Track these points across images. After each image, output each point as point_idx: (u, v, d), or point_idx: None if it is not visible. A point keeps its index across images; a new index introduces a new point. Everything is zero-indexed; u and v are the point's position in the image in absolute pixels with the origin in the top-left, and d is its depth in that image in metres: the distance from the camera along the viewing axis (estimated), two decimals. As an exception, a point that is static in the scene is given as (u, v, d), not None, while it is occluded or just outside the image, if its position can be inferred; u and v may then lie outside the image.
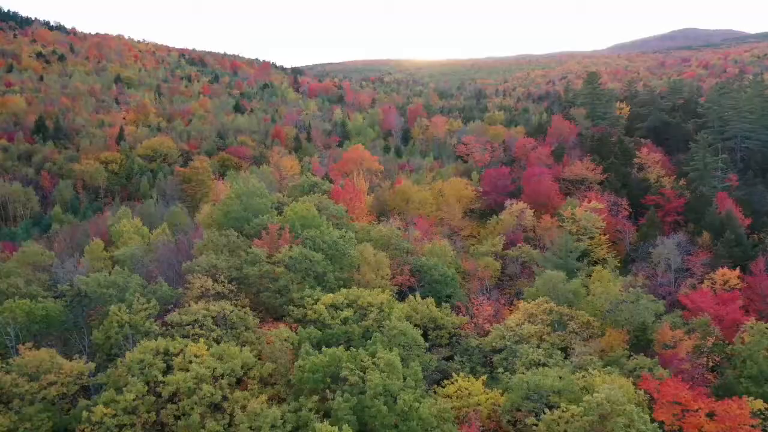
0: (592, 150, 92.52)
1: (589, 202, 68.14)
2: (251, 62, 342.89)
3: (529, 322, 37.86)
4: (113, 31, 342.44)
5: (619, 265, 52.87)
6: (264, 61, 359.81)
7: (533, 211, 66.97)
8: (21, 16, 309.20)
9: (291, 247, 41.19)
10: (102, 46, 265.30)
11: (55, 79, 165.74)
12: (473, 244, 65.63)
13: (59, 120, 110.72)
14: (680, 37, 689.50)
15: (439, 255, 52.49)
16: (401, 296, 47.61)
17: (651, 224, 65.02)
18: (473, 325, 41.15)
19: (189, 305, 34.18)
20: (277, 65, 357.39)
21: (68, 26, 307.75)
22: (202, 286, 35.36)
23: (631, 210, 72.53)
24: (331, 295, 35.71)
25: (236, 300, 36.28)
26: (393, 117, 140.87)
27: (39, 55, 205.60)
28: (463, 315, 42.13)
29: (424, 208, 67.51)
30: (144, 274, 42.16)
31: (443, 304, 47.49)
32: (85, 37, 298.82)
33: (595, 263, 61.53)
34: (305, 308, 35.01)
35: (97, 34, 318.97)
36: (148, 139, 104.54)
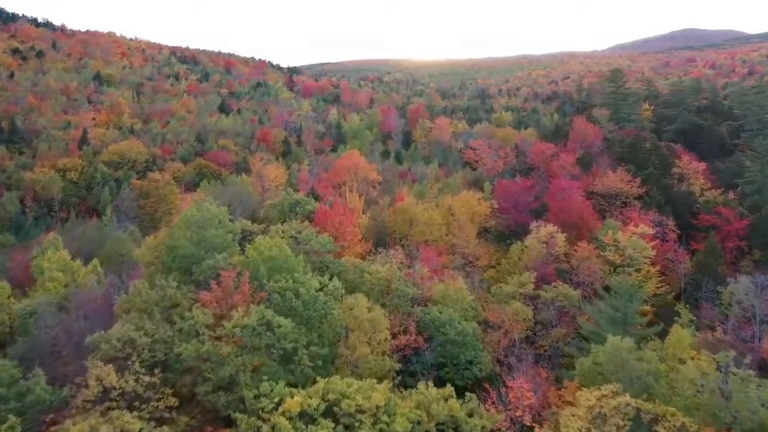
0: (622, 157, 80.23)
1: (633, 222, 56.00)
2: (246, 61, 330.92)
3: (595, 428, 25.50)
4: (112, 31, 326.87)
5: (693, 319, 40.47)
6: (260, 59, 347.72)
7: (564, 235, 54.61)
8: (6, 12, 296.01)
9: (249, 307, 28.81)
10: (88, 43, 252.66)
11: (27, 77, 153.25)
12: (492, 277, 53.24)
13: (15, 121, 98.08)
14: (681, 38, 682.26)
15: (453, 301, 40.16)
16: (404, 362, 35.39)
17: (711, 252, 52.67)
18: (509, 420, 28.83)
19: (78, 414, 21.87)
20: (274, 64, 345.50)
21: (57, 23, 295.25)
22: (101, 382, 22.97)
23: (679, 232, 60.46)
24: (300, 395, 23.29)
25: (157, 400, 23.87)
26: (393, 118, 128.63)
27: (15, 51, 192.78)
28: (493, 402, 29.74)
29: (432, 231, 55.19)
30: (43, 346, 29.85)
31: (463, 374, 35.34)
32: (73, 34, 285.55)
33: (643, 302, 49.37)
34: (260, 418, 22.62)
35: (87, 31, 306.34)
36: (116, 143, 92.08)
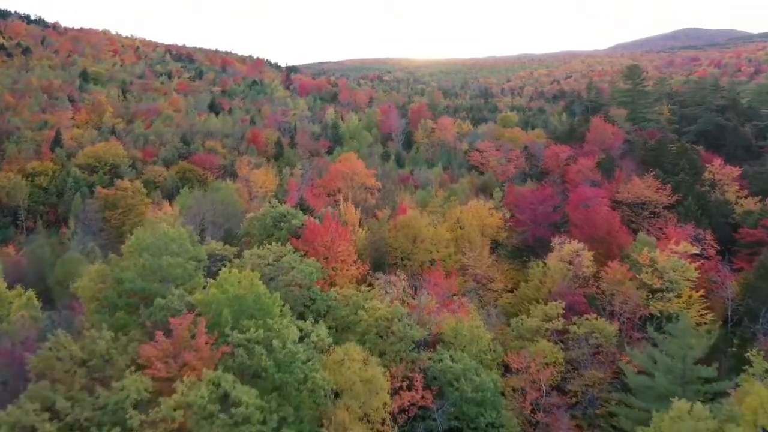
0: (646, 161, 72.99)
1: (669, 238, 48.69)
2: (244, 59, 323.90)
3: None
4: (107, 29, 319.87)
5: (765, 363, 32.97)
6: (258, 58, 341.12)
7: (591, 253, 47.16)
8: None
9: (202, 372, 21.46)
10: (79, 40, 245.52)
11: (9, 74, 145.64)
12: (510, 303, 45.87)
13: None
14: (682, 37, 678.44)
15: (468, 341, 32.87)
16: (409, 423, 28.09)
17: (764, 273, 45.33)
18: None
19: None
20: (272, 62, 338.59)
21: (52, 21, 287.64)
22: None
23: (718, 248, 53.11)
24: None
25: None
26: (393, 118, 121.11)
27: (0, 47, 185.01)
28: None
29: (439, 249, 47.80)
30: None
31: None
32: (65, 31, 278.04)
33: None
34: None
35: (81, 29, 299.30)
36: (93, 145, 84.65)
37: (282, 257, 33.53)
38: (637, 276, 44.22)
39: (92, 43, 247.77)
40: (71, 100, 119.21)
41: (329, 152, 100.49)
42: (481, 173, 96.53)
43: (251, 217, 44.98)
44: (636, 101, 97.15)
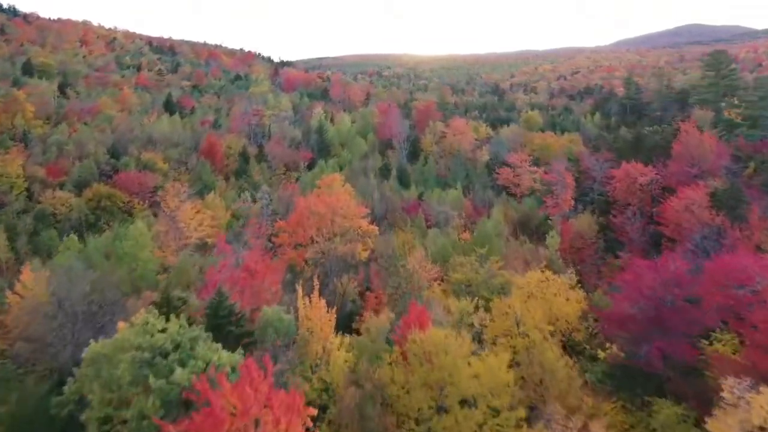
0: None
1: None
2: (233, 52, 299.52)
3: None
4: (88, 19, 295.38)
5: None
6: (248, 51, 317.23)
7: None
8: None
9: None
10: (46, 30, 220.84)
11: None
12: None
13: None
14: (685, 33, 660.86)
15: None
16: None
17: None
18: None
19: None
20: (264, 56, 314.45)
21: (28, 10, 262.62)
22: None
23: None
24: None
25: None
26: (395, 119, 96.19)
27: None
28: None
29: (494, 402, 23.10)
30: None
31: None
32: (37, 20, 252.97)
33: None
34: None
35: (58, 19, 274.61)
36: (-27, 160, 59.98)
37: None
38: None
39: (62, 33, 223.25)
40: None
41: (310, 167, 75.79)
42: (512, 195, 72.37)
43: (90, 358, 20.38)
44: (716, 99, 72.48)
